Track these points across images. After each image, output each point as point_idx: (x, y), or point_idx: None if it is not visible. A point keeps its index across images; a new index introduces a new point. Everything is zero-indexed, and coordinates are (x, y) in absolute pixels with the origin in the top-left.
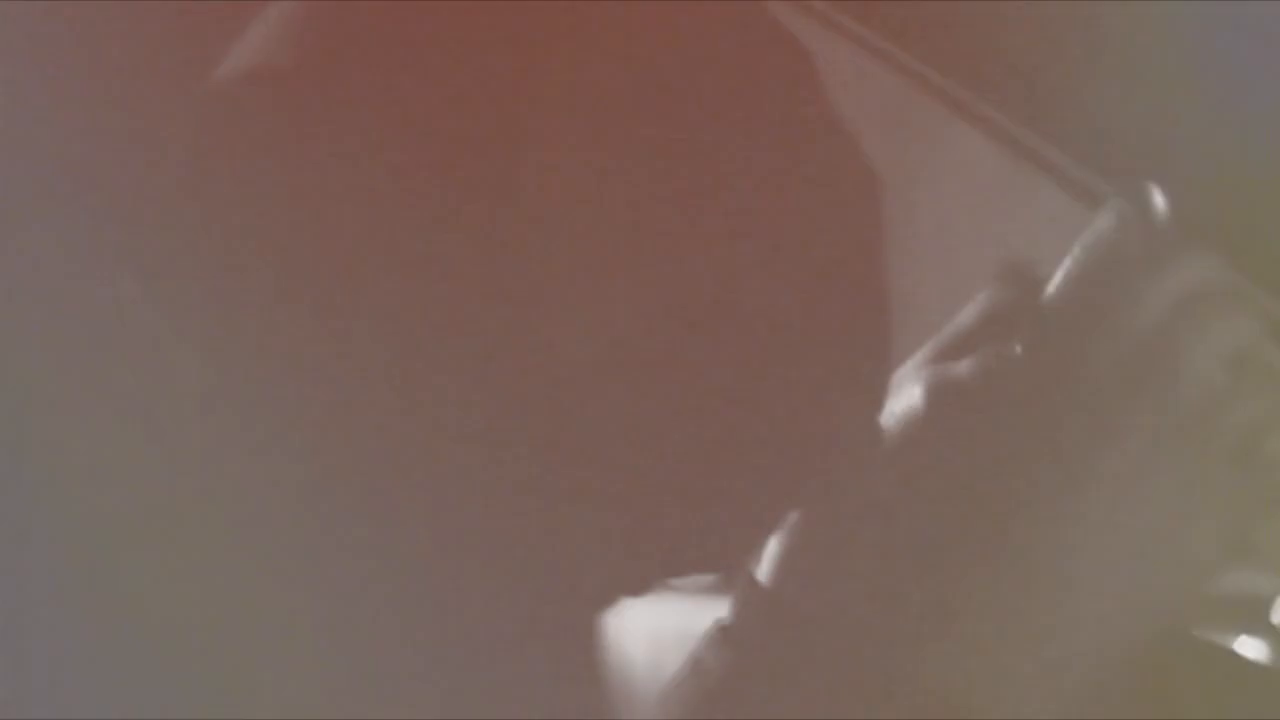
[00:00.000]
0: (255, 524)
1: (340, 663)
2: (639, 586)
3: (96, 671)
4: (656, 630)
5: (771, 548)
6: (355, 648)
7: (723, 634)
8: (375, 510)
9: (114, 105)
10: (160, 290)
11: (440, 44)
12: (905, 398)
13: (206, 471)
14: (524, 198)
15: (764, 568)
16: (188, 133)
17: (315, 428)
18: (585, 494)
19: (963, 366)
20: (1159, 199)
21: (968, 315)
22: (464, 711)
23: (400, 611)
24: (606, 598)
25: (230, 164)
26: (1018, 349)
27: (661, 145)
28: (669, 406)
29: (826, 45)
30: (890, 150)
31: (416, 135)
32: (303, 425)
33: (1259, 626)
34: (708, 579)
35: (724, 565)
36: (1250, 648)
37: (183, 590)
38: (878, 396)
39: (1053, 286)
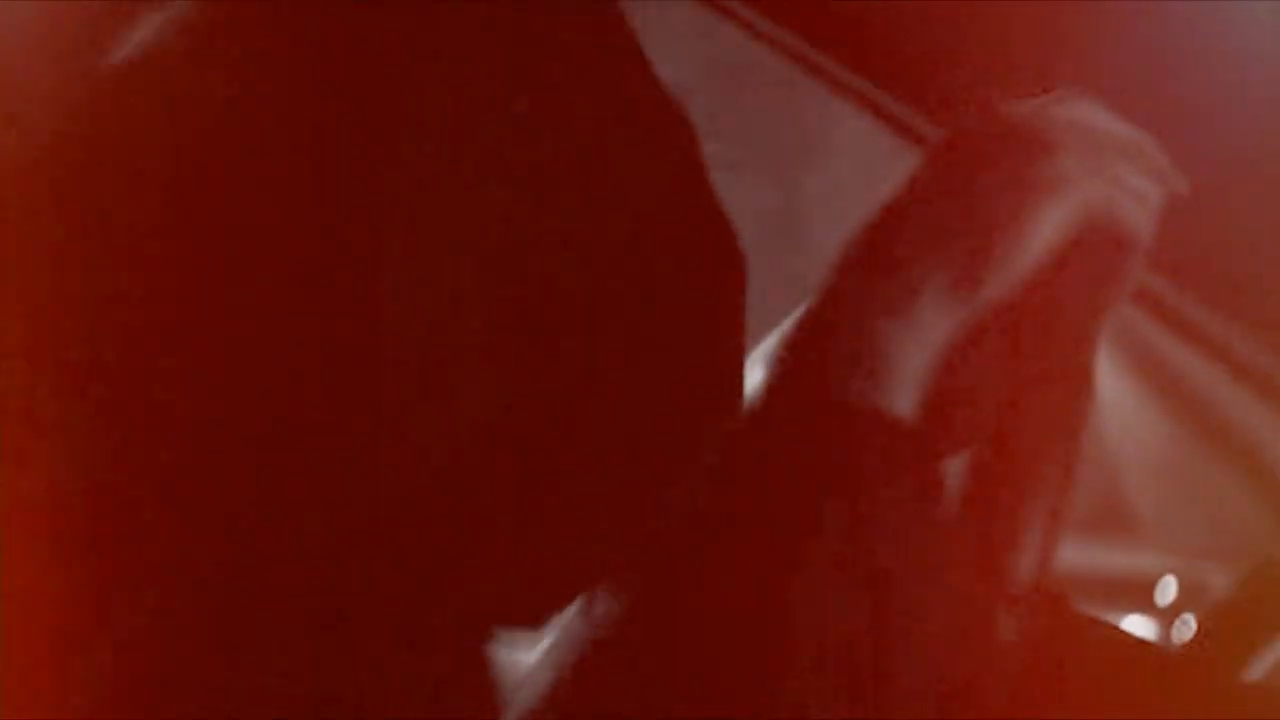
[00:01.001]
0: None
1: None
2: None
3: None
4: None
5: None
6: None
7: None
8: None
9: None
10: (44, 269)
11: (320, 43)
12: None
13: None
14: (373, 170)
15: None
16: (80, 117)
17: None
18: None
19: None
20: None
21: None
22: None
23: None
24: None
25: (116, 150)
26: None
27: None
28: (517, 413)
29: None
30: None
31: (295, 129)
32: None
33: (1144, 606)
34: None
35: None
36: (1135, 626)
37: None
38: (735, 379)
39: None
